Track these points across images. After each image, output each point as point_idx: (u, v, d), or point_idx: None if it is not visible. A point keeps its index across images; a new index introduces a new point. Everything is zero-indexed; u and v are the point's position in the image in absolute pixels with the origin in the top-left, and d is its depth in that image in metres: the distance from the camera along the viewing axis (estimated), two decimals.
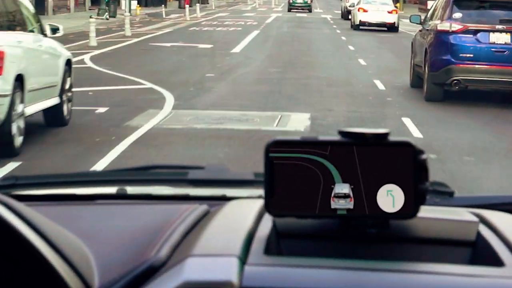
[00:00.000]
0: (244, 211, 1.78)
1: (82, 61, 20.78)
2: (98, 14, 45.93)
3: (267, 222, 1.67)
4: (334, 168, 1.56)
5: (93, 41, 26.32)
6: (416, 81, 16.27)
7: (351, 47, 27.97)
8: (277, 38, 31.65)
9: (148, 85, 16.10)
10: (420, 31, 16.56)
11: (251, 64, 21.15)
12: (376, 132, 1.56)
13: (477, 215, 1.77)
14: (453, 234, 1.70)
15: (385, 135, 1.56)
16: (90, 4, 55.26)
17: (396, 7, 43.56)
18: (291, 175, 1.57)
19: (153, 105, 13.29)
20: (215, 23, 43.16)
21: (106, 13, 44.61)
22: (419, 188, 1.57)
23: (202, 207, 1.92)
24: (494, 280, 1.45)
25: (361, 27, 39.19)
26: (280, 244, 1.66)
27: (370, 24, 39.19)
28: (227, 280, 1.40)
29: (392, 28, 39.09)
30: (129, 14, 33.07)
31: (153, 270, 1.55)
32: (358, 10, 40.02)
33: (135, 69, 19.06)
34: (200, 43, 27.42)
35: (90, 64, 20.28)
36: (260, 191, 1.89)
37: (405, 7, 68.58)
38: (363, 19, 39.40)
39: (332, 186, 1.56)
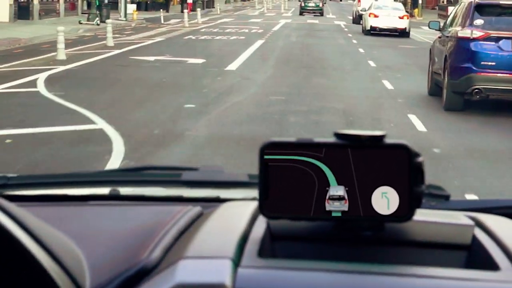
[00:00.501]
0: (238, 213, 1.77)
1: (33, 83, 16.29)
2: (88, 20, 41.68)
3: (261, 224, 1.67)
4: (329, 170, 1.55)
5: (61, 54, 21.82)
6: (434, 89, 15.66)
7: (371, 63, 23.36)
8: (284, 51, 26.96)
9: (100, 124, 11.57)
10: (439, 37, 15.78)
11: (247, 89, 16.56)
12: (372, 134, 1.54)
13: (473, 219, 1.77)
14: (448, 238, 1.69)
15: (381, 137, 1.54)
16: (87, 7, 50.86)
17: (407, 11, 43.68)
18: (286, 177, 1.55)
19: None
20: (215, 30, 38.52)
21: (97, 18, 40.13)
22: (414, 191, 1.56)
23: (195, 209, 1.91)
24: (489, 284, 1.44)
25: (372, 32, 38.32)
26: (274, 247, 1.66)
27: (381, 30, 38.45)
28: (220, 283, 1.39)
29: (403, 33, 38.37)
30: (111, 21, 28.48)
31: (145, 272, 1.53)
32: (369, 16, 39.24)
33: (95, 96, 14.56)
34: (190, 57, 22.85)
35: (41, 87, 15.74)
36: (255, 193, 1.80)
37: (424, 13, 64.35)
38: (374, 25, 38.66)
39: (327, 188, 1.55)
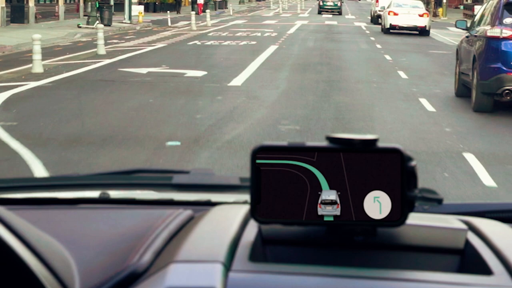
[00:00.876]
0: (229, 216, 1.76)
1: None
2: (87, 23, 38.50)
3: (253, 228, 1.66)
4: (321, 174, 1.54)
5: (37, 67, 18.55)
6: (462, 90, 15.29)
7: (402, 74, 19.93)
8: (299, 59, 23.50)
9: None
10: (467, 37, 15.29)
11: (252, 112, 13.16)
12: (364, 138, 1.53)
13: (466, 223, 1.76)
14: (441, 242, 1.68)
15: (373, 141, 1.53)
16: (90, 10, 47.64)
17: (428, 10, 43.44)
18: (278, 181, 1.54)
19: None
20: (224, 34, 35.11)
21: (97, 22, 36.84)
22: (407, 195, 1.54)
23: (186, 212, 1.89)
24: None
25: (391, 31, 37.96)
26: (265, 251, 1.65)
27: (401, 28, 37.91)
28: (211, 287, 1.38)
29: (423, 31, 37.62)
30: (102, 26, 25.16)
31: (135, 276, 1.52)
32: (389, 14, 38.51)
33: (54, 128, 11.25)
34: (190, 68, 19.51)
35: None
36: (246, 197, 1.83)
37: (447, 13, 60.88)
38: (393, 23, 38.04)
39: (319, 192, 1.54)
